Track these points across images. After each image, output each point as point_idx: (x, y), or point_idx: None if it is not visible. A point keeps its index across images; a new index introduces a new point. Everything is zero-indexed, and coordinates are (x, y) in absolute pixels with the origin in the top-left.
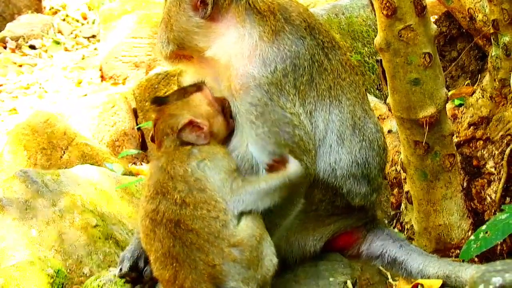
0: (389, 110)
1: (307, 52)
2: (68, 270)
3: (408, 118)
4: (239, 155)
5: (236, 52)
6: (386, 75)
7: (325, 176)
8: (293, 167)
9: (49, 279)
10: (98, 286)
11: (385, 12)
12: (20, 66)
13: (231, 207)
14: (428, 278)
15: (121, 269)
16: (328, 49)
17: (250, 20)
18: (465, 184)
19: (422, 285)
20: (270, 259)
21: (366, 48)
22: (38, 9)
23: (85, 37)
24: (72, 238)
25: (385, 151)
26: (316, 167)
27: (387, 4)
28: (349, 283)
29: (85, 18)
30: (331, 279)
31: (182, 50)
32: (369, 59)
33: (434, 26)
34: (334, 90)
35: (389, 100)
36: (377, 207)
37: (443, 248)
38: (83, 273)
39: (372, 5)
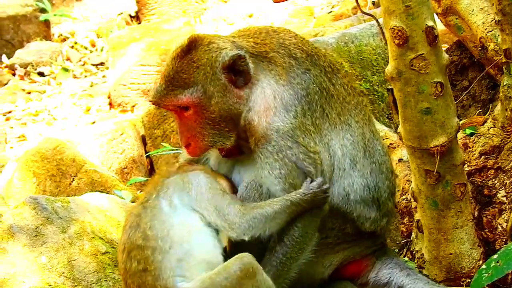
0: (400, 139)
1: (315, 85)
2: None
3: (419, 147)
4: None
5: (261, 108)
6: (397, 104)
7: (338, 201)
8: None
9: None
10: None
11: (396, 41)
12: (29, 93)
13: (241, 234)
14: None
15: None
16: (330, 73)
17: (260, 69)
18: (476, 213)
19: None
20: None
21: (375, 77)
22: (47, 36)
23: (93, 65)
24: (81, 265)
25: (393, 175)
26: (329, 200)
27: (399, 33)
28: None
29: (93, 46)
30: None
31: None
32: (378, 87)
33: (446, 55)
34: (343, 116)
35: (400, 129)
36: (386, 235)
37: (454, 277)
38: None
39: (383, 34)
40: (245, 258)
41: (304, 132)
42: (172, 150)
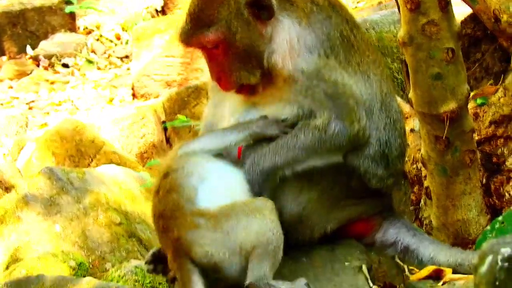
0: (411, 104)
1: (336, 31)
2: (90, 266)
3: (429, 113)
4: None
5: (285, 51)
6: (409, 69)
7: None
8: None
9: (71, 271)
10: (119, 276)
11: (408, 6)
12: (52, 83)
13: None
14: (439, 266)
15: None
16: (351, 24)
17: (283, 9)
18: (484, 181)
19: (441, 270)
20: (256, 231)
21: (395, 64)
22: (72, 28)
23: (118, 57)
24: (95, 235)
25: (405, 136)
26: (367, 134)
27: None
28: (364, 268)
29: (118, 39)
30: (346, 263)
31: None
32: (398, 74)
33: (458, 22)
34: (362, 66)
35: (410, 94)
36: (399, 204)
37: (461, 243)
38: (106, 269)
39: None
40: (270, 201)
41: (330, 70)
42: (189, 122)
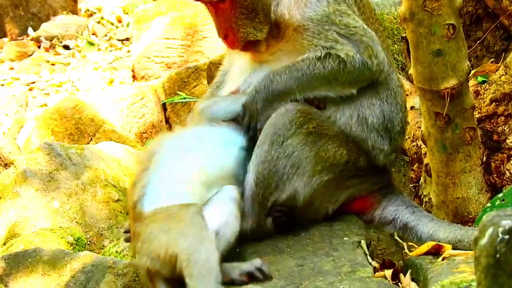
0: (411, 81)
1: None
2: (88, 242)
3: (429, 89)
4: None
5: (290, 1)
6: (410, 46)
7: (353, 128)
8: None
9: (68, 246)
10: (117, 251)
11: None
12: (53, 64)
13: None
14: (439, 242)
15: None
16: None
17: None
18: (484, 158)
19: (441, 246)
20: (163, 249)
21: (396, 46)
22: (74, 11)
23: (119, 40)
24: (93, 211)
25: (406, 110)
26: (385, 71)
27: None
28: (363, 243)
29: (119, 21)
30: (345, 238)
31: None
32: (398, 56)
33: None
34: None
35: (411, 71)
36: (399, 185)
37: (460, 222)
38: (103, 245)
39: None
40: (194, 207)
41: (341, 15)
42: (187, 98)
